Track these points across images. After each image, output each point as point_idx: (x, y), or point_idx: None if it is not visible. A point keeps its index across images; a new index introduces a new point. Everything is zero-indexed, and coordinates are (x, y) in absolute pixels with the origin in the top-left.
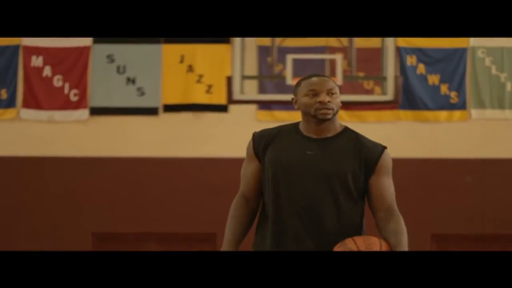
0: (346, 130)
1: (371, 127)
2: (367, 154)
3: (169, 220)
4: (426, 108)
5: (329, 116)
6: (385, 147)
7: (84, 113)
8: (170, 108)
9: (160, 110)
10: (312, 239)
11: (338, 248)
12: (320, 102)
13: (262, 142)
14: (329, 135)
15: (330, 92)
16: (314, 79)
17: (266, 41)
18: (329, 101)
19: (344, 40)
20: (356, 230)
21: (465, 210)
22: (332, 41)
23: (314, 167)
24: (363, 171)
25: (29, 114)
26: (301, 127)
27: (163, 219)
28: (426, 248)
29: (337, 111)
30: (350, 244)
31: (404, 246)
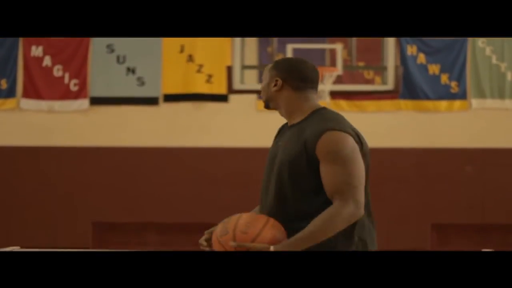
0: (313, 113)
1: (371, 117)
2: (307, 139)
3: (169, 210)
4: (427, 97)
5: (264, 105)
6: (326, 129)
7: (84, 103)
8: (170, 98)
9: (160, 100)
10: None
11: (218, 227)
12: None
13: (275, 139)
14: (295, 122)
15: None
16: None
17: None
18: (259, 91)
19: None
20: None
21: (465, 200)
22: None
23: (273, 158)
24: (306, 159)
25: (29, 104)
26: None
27: (163, 209)
28: (426, 237)
29: (269, 97)
30: (231, 223)
31: (289, 246)
